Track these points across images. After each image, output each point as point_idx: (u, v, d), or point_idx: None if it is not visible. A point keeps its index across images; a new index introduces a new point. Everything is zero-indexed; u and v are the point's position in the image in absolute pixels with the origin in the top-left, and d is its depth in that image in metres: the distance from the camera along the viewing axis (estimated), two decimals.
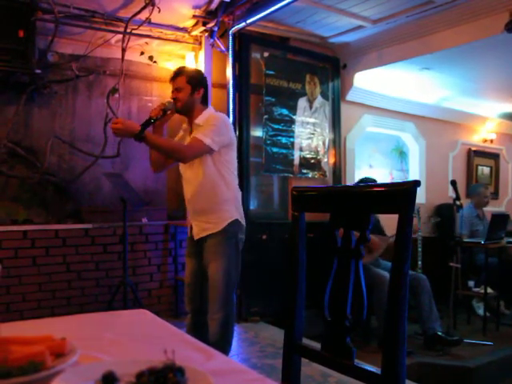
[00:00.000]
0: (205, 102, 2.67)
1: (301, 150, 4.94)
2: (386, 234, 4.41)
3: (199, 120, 2.58)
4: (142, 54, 4.20)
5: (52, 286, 3.67)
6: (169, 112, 2.57)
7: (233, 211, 2.61)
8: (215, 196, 2.57)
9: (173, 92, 2.63)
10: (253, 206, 4.69)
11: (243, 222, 2.67)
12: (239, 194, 2.70)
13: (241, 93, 4.52)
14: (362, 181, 4.65)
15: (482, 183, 6.03)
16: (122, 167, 4.26)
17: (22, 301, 3.56)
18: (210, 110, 2.66)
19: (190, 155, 2.49)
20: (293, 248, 1.34)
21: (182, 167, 2.70)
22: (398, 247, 1.08)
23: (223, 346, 2.54)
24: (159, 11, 3.83)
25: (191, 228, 2.69)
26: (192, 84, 2.60)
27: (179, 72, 2.66)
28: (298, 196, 1.38)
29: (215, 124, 2.51)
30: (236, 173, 2.69)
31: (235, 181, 2.68)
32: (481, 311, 4.85)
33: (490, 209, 5.85)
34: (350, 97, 5.38)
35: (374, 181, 4.53)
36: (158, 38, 4.31)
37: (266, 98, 4.68)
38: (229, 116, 4.45)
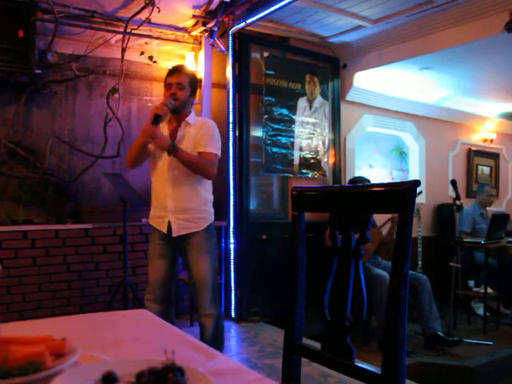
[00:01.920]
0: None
1: (301, 149, 4.93)
2: (377, 224, 4.43)
3: (190, 119, 2.63)
4: (142, 53, 4.19)
5: (52, 286, 3.67)
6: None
7: (212, 213, 2.72)
8: (198, 195, 2.62)
9: (172, 86, 2.60)
10: (253, 205, 4.68)
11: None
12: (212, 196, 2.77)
13: (241, 93, 4.51)
14: (353, 180, 4.62)
15: (489, 183, 6.03)
16: (122, 167, 4.25)
17: (22, 301, 3.55)
18: (195, 115, 2.73)
19: (214, 171, 2.58)
20: (293, 248, 1.34)
21: (156, 160, 2.64)
22: (398, 247, 1.08)
23: (218, 346, 2.57)
24: (159, 11, 3.83)
25: (168, 224, 2.59)
26: (192, 87, 2.67)
27: (183, 70, 2.68)
28: (297, 196, 1.38)
29: (213, 132, 2.63)
30: None
31: (210, 183, 2.74)
32: (480, 311, 4.84)
33: (490, 208, 5.85)
34: (349, 97, 5.38)
35: (368, 180, 4.49)
36: (158, 38, 4.31)
37: (265, 97, 4.68)
38: (229, 116, 4.47)
